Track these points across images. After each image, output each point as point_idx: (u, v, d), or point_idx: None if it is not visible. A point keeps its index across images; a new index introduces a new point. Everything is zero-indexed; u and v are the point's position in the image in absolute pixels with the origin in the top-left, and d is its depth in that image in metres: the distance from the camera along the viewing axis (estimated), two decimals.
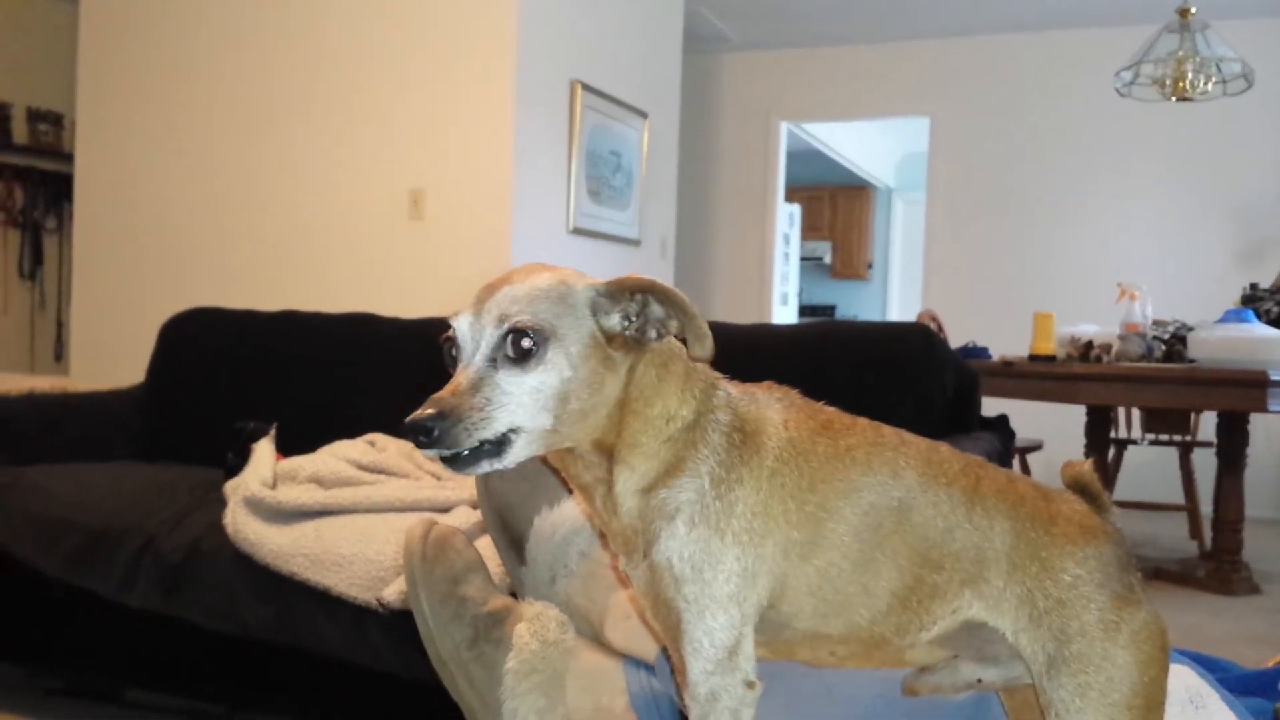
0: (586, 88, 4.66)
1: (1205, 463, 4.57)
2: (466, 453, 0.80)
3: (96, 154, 4.94)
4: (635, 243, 5.20)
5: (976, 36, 6.57)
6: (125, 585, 1.99)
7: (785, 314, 7.88)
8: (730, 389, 0.90)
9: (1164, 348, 4.11)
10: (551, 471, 0.99)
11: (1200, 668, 1.14)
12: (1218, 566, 4.04)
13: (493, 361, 0.81)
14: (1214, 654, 1.30)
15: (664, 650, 1.05)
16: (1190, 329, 4.05)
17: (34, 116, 6.27)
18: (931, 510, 0.87)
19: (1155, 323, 4.31)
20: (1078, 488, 0.93)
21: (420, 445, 0.78)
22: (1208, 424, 4.54)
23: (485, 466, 0.81)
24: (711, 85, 7.19)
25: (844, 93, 6.99)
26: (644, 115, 5.17)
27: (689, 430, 0.86)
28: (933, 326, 4.23)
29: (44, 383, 4.10)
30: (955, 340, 4.85)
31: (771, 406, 0.90)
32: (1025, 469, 4.94)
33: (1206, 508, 4.44)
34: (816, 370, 2.07)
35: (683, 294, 0.84)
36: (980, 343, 4.87)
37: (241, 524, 1.91)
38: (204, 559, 1.94)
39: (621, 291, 0.84)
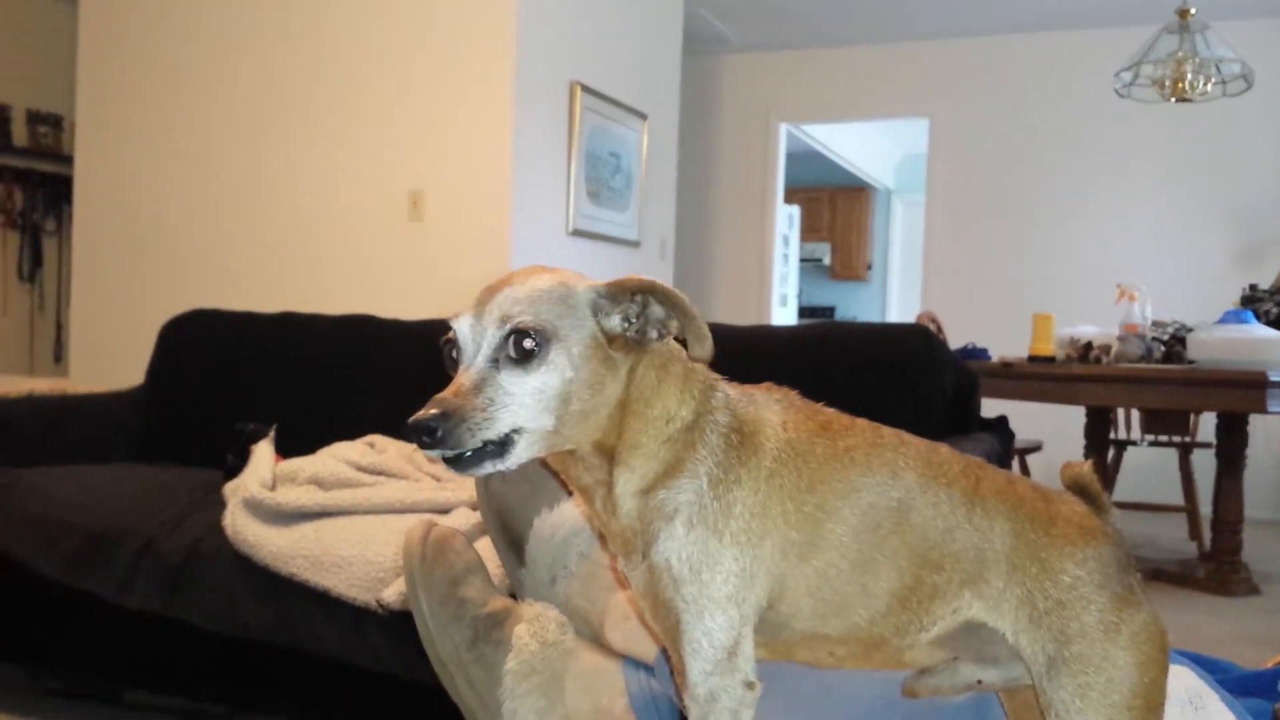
0: (586, 89, 4.67)
1: (1205, 464, 4.57)
2: (469, 453, 0.80)
3: (96, 156, 4.94)
4: (635, 244, 5.20)
5: (976, 38, 6.58)
6: (125, 587, 1.99)
7: (785, 315, 7.89)
8: (729, 390, 0.90)
9: (1163, 349, 4.11)
10: (551, 474, 0.99)
11: (1200, 668, 1.14)
12: (1217, 567, 4.04)
13: (495, 362, 0.81)
14: (1213, 655, 1.30)
15: (663, 651, 1.05)
16: (1189, 330, 4.05)
17: (34, 119, 6.27)
18: (931, 511, 0.87)
19: (1154, 324, 4.31)
20: (1077, 489, 0.93)
21: (423, 446, 0.78)
22: (1207, 425, 4.54)
23: (488, 467, 0.81)
24: (711, 86, 7.19)
25: (843, 94, 6.99)
26: (643, 116, 5.17)
27: (688, 431, 0.86)
28: (932, 328, 4.24)
29: (43, 384, 4.11)
30: (955, 341, 4.85)
31: (770, 407, 0.90)
32: (1025, 470, 4.94)
33: (1206, 509, 4.44)
34: (816, 371, 2.08)
35: (683, 294, 0.84)
36: (980, 344, 4.87)
37: (241, 525, 1.91)
38: (204, 560, 1.94)
39: (622, 292, 0.84)
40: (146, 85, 4.82)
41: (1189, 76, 4.58)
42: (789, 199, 7.79)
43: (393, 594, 1.69)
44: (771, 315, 7.18)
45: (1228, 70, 4.65)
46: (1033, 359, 4.29)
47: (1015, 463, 4.49)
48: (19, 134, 6.23)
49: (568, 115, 4.59)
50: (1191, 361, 3.88)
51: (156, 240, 4.79)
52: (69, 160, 5.38)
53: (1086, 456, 4.54)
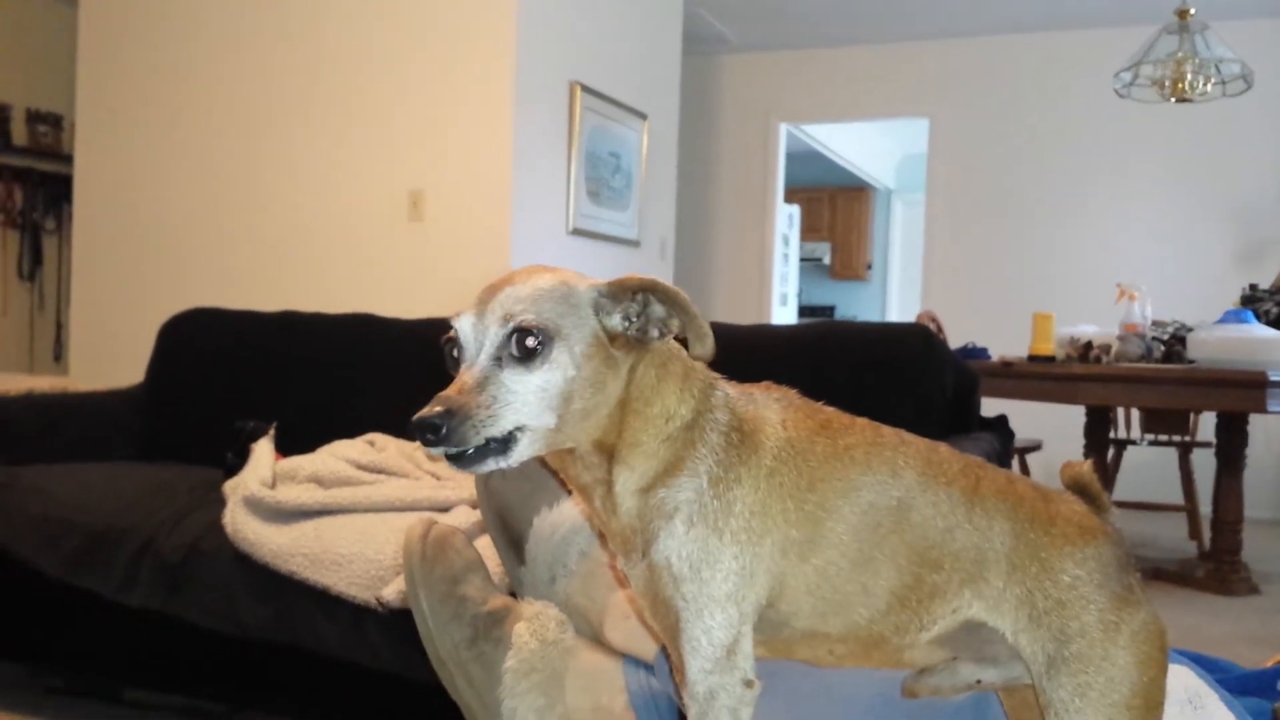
0: (586, 89, 4.67)
1: (1204, 463, 4.57)
2: (472, 451, 0.80)
3: (96, 155, 4.94)
4: (635, 244, 5.20)
5: (976, 38, 6.58)
6: (125, 585, 1.99)
7: (785, 315, 7.89)
8: (728, 389, 0.90)
9: (1163, 348, 4.11)
10: (550, 473, 0.99)
11: (1199, 668, 1.14)
12: (1217, 567, 4.04)
13: (498, 361, 0.81)
14: (1213, 654, 1.30)
15: (663, 649, 1.05)
16: (1189, 330, 4.05)
17: (33, 118, 6.28)
18: (931, 510, 0.87)
19: (1154, 323, 4.31)
20: (1077, 488, 0.93)
21: (427, 443, 0.78)
22: (1207, 424, 4.54)
23: (491, 465, 0.81)
24: (711, 87, 7.19)
25: (843, 94, 6.99)
26: (643, 116, 5.17)
27: (688, 430, 0.87)
28: (932, 327, 4.23)
29: (43, 383, 4.11)
30: (955, 341, 4.86)
31: (770, 406, 0.90)
32: (1025, 469, 4.95)
33: (1206, 508, 4.44)
34: (816, 371, 2.08)
35: (684, 293, 0.84)
36: (980, 343, 4.87)
37: (241, 524, 1.91)
38: (203, 559, 1.94)
39: (623, 291, 0.85)
40: (146, 85, 4.82)
41: (1189, 77, 4.58)
42: (789, 199, 7.79)
43: (392, 592, 1.70)
44: (771, 315, 7.18)
45: (1227, 70, 4.65)
46: (1033, 358, 4.29)
47: (1015, 462, 4.50)
48: (19, 133, 6.24)
49: (567, 115, 4.60)
50: (1191, 361, 3.88)
51: (156, 240, 4.79)
52: (69, 159, 5.38)
53: (1086, 456, 4.54)
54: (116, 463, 2.55)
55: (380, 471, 2.05)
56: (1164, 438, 4.84)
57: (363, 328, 2.70)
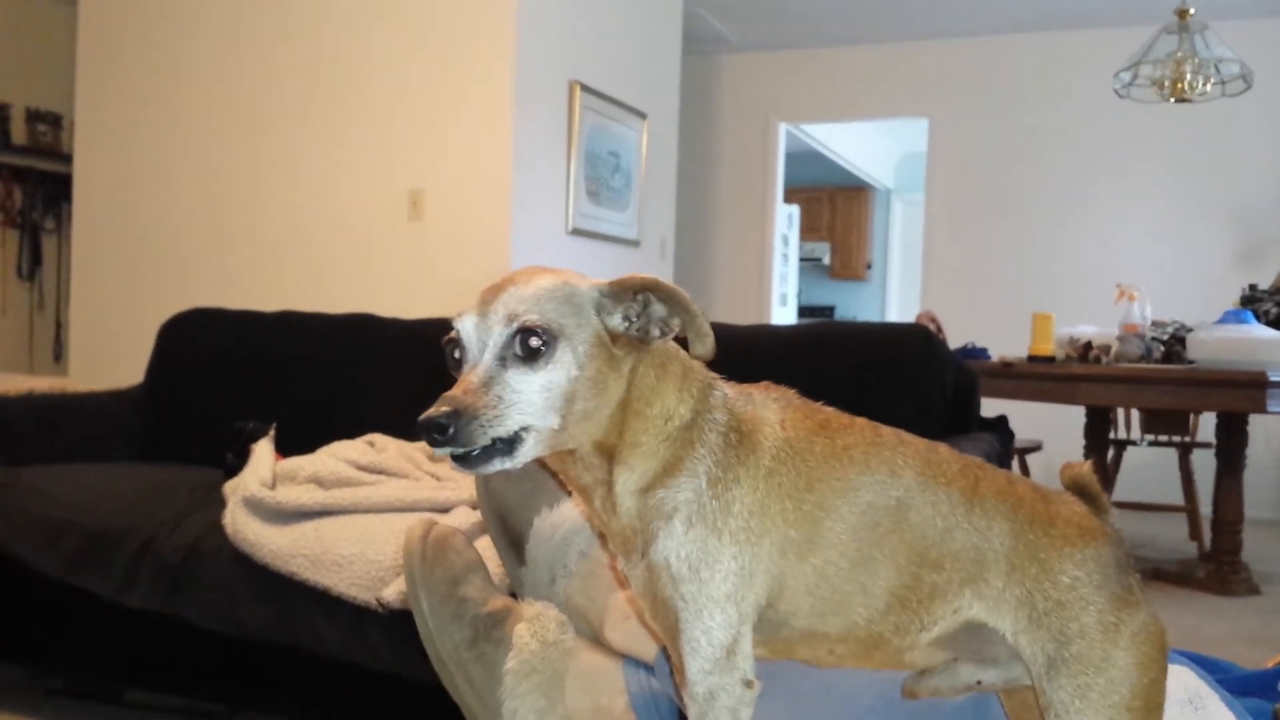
0: (585, 88, 4.67)
1: (1204, 463, 4.57)
2: (478, 451, 0.80)
3: (95, 154, 4.94)
4: (634, 243, 5.20)
5: (975, 37, 6.58)
6: (125, 586, 1.99)
7: (784, 315, 7.89)
8: (727, 389, 0.90)
9: (1163, 349, 4.11)
10: (549, 474, 0.99)
11: (1199, 668, 1.14)
12: (1217, 567, 4.04)
13: (501, 361, 0.81)
14: (1213, 655, 1.30)
15: (663, 650, 1.05)
16: (1189, 330, 4.05)
17: (33, 117, 6.28)
18: (930, 510, 0.87)
19: (1154, 324, 4.31)
20: (1077, 489, 0.93)
21: (434, 444, 0.78)
22: (1207, 425, 4.54)
23: (496, 465, 0.81)
24: (710, 86, 7.19)
25: (843, 94, 6.99)
26: (643, 116, 5.18)
27: (687, 430, 0.87)
28: (932, 327, 4.24)
29: (43, 383, 4.10)
30: (954, 341, 4.86)
31: (768, 406, 0.90)
32: (1025, 470, 4.95)
33: (1206, 508, 4.44)
34: (815, 371, 2.08)
35: (684, 292, 0.84)
36: (979, 343, 4.87)
37: (241, 524, 1.91)
38: (203, 559, 1.94)
39: (624, 291, 0.85)
40: (146, 85, 4.82)
41: (1188, 77, 4.59)
42: (789, 199, 7.80)
43: (393, 593, 1.70)
44: (771, 315, 7.19)
45: (1227, 70, 4.65)
46: (1032, 359, 4.29)
47: (1015, 463, 4.50)
48: (18, 132, 6.24)
49: (567, 115, 4.60)
50: (1191, 361, 3.89)
51: (156, 239, 4.79)
52: (68, 159, 5.38)
53: (1086, 456, 4.54)
54: (116, 463, 2.55)
55: (380, 472, 2.05)
56: (1164, 438, 4.84)
57: (362, 328, 2.70)
